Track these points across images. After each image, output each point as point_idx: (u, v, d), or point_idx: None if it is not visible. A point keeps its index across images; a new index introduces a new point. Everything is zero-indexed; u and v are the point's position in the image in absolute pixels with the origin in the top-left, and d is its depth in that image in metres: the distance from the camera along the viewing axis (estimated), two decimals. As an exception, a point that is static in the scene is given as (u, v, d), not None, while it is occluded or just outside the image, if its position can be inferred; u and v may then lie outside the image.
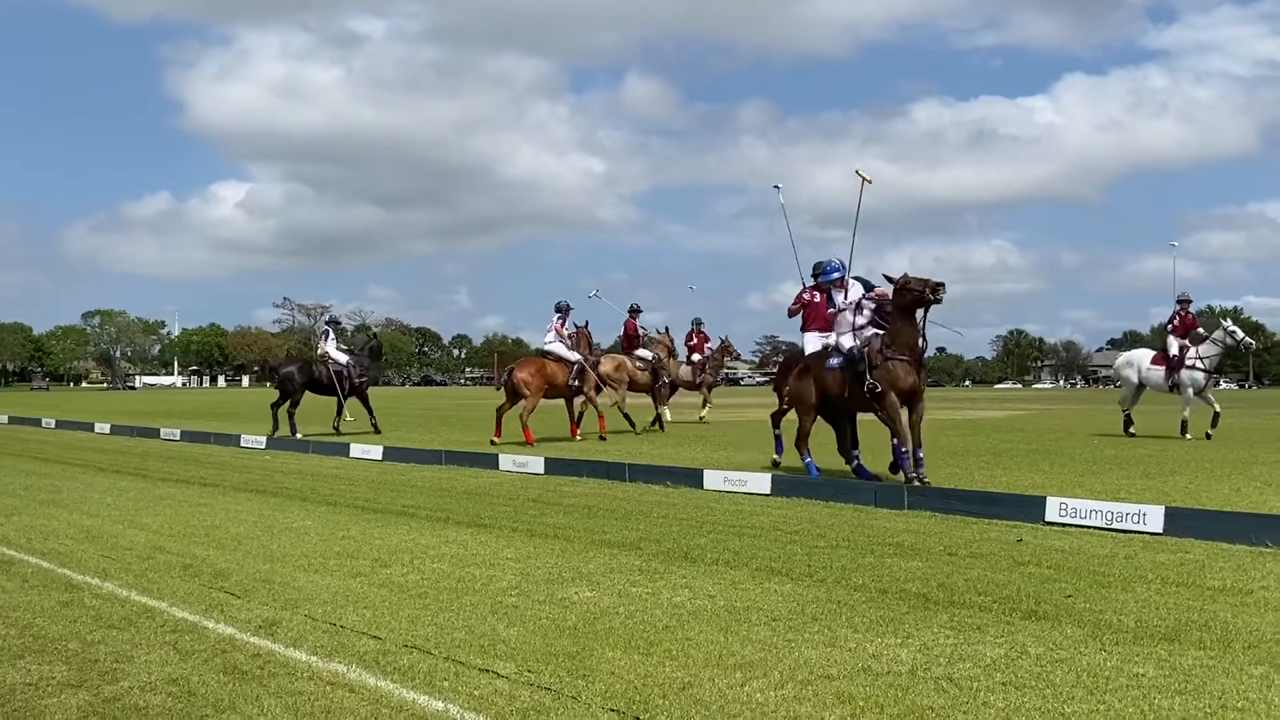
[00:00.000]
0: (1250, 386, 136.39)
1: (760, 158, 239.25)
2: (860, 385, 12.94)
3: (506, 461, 15.66)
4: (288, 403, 24.72)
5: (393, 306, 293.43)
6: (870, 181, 14.16)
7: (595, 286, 29.49)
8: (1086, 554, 8.38)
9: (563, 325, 22.48)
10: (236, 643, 5.83)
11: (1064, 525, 9.70)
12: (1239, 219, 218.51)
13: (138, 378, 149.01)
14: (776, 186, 17.13)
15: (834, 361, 13.55)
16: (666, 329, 29.60)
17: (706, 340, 30.61)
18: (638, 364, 26.23)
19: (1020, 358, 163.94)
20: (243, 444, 21.15)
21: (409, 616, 6.35)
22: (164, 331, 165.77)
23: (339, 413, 25.85)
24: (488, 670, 5.24)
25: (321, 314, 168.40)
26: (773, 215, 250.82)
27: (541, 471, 14.87)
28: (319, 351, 26.08)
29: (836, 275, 13.88)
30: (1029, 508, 10.17)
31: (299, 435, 23.01)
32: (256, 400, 63.48)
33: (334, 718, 4.62)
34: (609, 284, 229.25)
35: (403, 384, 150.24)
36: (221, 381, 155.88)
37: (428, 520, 10.47)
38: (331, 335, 26.32)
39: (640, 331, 27.77)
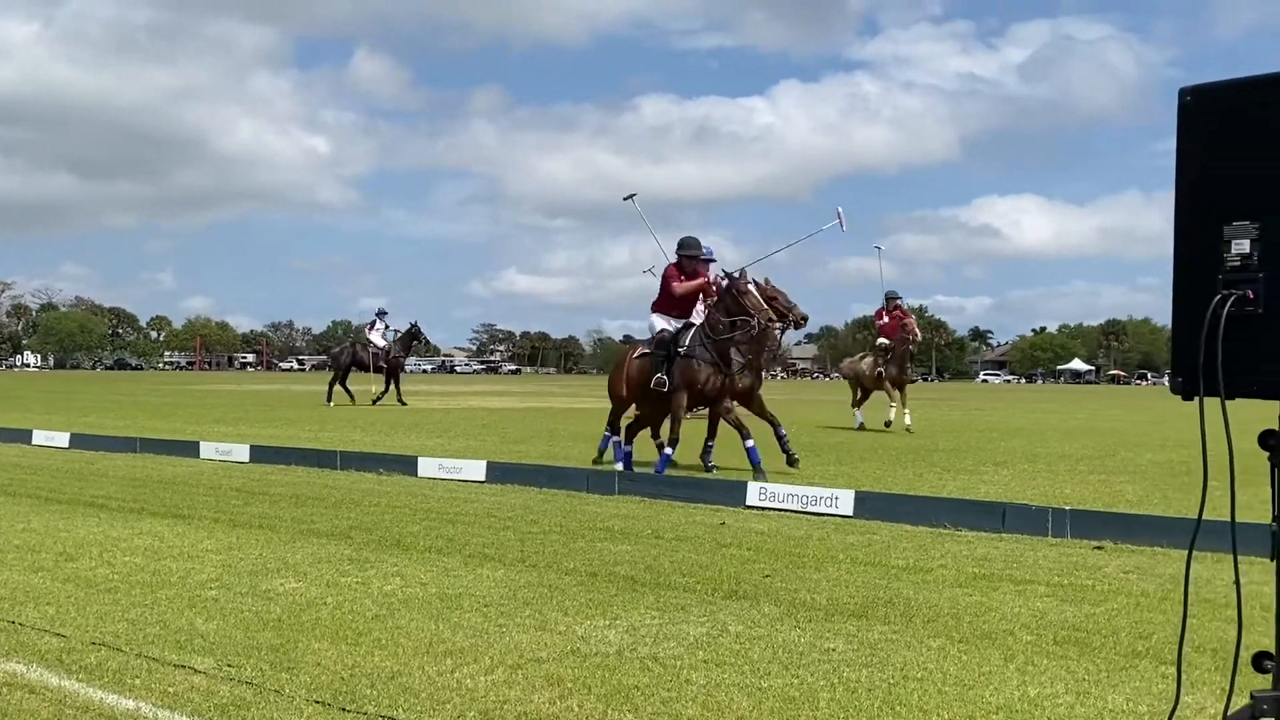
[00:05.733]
0: (932, 379, 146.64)
1: (489, 144, 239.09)
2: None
3: (209, 449, 14.98)
4: (339, 376, 31.79)
5: (86, 285, 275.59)
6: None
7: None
8: (784, 536, 8.81)
9: None
10: (-104, 646, 5.32)
11: (763, 509, 10.15)
12: (934, 222, 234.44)
13: None
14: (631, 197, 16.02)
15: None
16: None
17: (905, 318, 22.88)
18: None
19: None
20: (-93, 430, 19.30)
21: (97, 612, 5.98)
22: None
23: (384, 389, 31.63)
24: (184, 666, 5.00)
25: (3, 290, 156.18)
26: (498, 202, 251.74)
27: (246, 460, 14.31)
28: (364, 337, 33.02)
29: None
30: (732, 492, 10.59)
31: (332, 404, 30.32)
32: (-76, 383, 58.19)
33: (10, 722, 4.29)
34: (327, 267, 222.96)
35: (93, 367, 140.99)
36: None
37: (120, 511, 9.89)
38: (377, 324, 32.78)
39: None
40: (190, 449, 15.24)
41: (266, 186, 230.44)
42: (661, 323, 13.70)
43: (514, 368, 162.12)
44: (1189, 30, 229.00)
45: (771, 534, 8.90)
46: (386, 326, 33.08)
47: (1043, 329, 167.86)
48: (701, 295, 13.84)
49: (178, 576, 6.99)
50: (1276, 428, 3.16)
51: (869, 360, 23.09)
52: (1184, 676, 4.75)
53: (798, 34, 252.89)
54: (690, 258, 13.71)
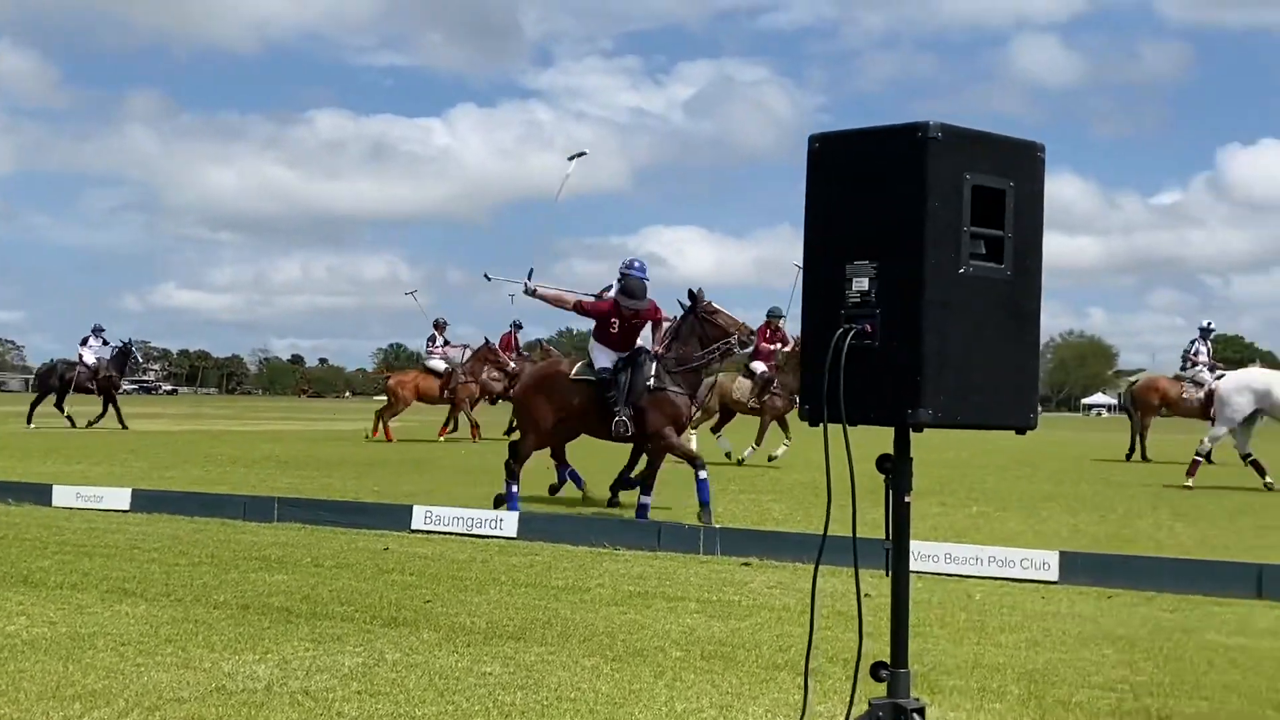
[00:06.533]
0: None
1: (147, 150, 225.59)
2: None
3: None
4: (58, 398, 29.58)
5: None
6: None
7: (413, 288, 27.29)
8: (448, 559, 8.76)
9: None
10: None
11: (429, 533, 10.06)
12: (604, 249, 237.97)
13: None
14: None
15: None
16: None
17: (784, 343, 20.36)
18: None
19: (399, 369, 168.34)
20: None
21: None
22: None
23: (102, 411, 29.51)
24: None
25: None
26: (155, 212, 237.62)
27: None
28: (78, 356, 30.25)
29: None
30: (397, 516, 10.44)
31: (77, 425, 28.55)
32: None
33: None
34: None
35: None
36: None
37: None
38: (91, 341, 30.35)
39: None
40: None
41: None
42: (604, 358, 11.94)
43: (171, 388, 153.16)
44: (837, 79, 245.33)
45: (435, 558, 8.83)
46: (104, 343, 30.66)
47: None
48: (652, 327, 12.44)
49: None
50: (892, 452, 3.44)
51: (745, 385, 20.17)
52: (816, 686, 5.06)
53: (474, 59, 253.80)
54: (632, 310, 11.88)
